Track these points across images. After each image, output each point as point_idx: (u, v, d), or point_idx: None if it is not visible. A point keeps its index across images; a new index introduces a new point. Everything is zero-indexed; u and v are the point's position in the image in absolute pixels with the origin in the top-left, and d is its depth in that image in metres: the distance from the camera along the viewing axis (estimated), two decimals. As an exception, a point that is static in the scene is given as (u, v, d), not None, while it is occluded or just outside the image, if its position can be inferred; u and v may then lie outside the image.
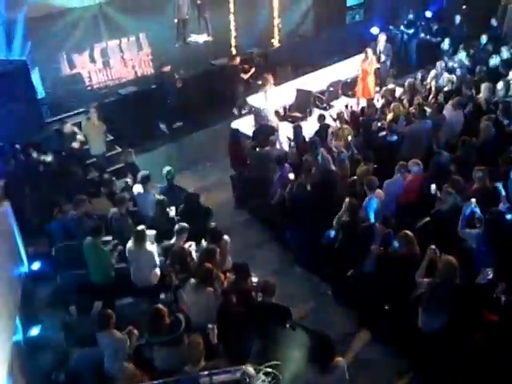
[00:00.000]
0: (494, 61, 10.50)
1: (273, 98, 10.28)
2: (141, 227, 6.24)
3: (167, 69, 11.12)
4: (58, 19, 14.75)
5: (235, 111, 11.52)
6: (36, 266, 6.99)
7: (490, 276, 5.23)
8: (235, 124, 10.62)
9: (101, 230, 6.24)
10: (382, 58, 11.52)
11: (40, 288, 6.76)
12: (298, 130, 9.14)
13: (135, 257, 6.24)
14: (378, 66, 11.37)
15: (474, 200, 5.92)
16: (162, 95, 11.16)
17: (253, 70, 12.06)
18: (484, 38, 11.73)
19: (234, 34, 14.47)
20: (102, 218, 6.94)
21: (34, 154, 8.53)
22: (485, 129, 7.67)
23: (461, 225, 5.86)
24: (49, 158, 8.67)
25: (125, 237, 6.53)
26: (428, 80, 10.63)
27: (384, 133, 8.50)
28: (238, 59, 11.89)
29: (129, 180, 8.14)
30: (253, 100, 11.01)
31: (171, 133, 11.29)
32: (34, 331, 6.11)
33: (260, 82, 10.61)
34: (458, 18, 13.35)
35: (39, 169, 8.42)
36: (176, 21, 13.51)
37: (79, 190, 7.39)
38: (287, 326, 5.16)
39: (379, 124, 8.78)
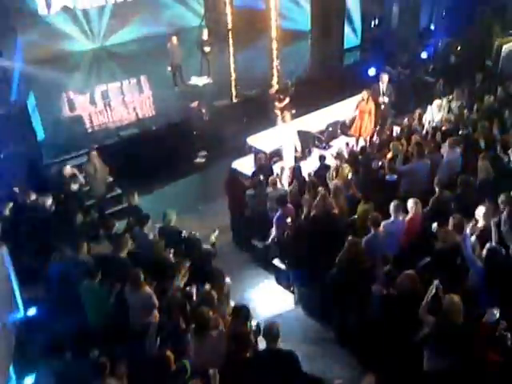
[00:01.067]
0: (489, 100, 10.60)
1: (290, 134, 10.46)
2: (137, 269, 6.15)
3: (195, 104, 11.62)
4: (59, 62, 15.06)
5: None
6: (32, 311, 6.88)
7: (498, 315, 5.12)
8: (235, 164, 10.67)
9: (98, 272, 6.15)
10: (386, 98, 11.67)
11: (35, 335, 6.61)
12: (297, 170, 9.17)
13: (133, 300, 6.14)
14: (383, 106, 11.56)
15: (473, 238, 5.88)
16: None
17: (287, 99, 12.21)
18: (479, 78, 11.92)
19: (233, 76, 14.75)
20: (100, 260, 6.87)
21: (33, 197, 8.51)
22: (483, 167, 7.68)
23: (466, 247, 5.80)
24: (48, 201, 8.65)
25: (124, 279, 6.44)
26: (425, 119, 10.72)
27: (383, 172, 8.52)
28: (274, 88, 12.29)
29: (130, 221, 8.10)
30: (253, 140, 11.10)
31: (171, 172, 11.34)
32: (28, 381, 5.94)
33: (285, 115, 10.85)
34: (452, 59, 13.66)
35: (38, 212, 8.38)
36: (169, 68, 13.78)
37: (78, 233, 7.35)
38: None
39: (379, 163, 8.80)
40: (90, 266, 6.47)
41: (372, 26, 16.29)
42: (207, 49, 14.10)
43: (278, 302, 7.78)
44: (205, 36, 14.19)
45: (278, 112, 11.77)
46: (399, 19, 15.69)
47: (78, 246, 6.84)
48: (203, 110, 11.69)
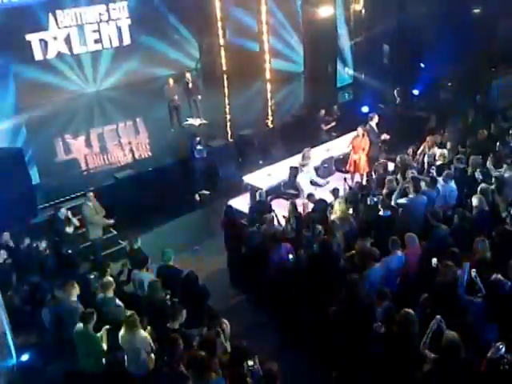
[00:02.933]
0: (483, 134, 10.69)
1: (309, 172, 10.79)
2: (132, 312, 6.04)
3: (198, 139, 11.85)
4: (54, 105, 15.22)
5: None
6: (25, 357, 6.71)
7: (503, 350, 5.01)
8: (232, 202, 10.64)
9: (91, 315, 6.04)
10: (384, 136, 11.88)
11: (29, 381, 6.44)
12: (294, 207, 9.14)
13: (128, 343, 5.99)
14: (380, 144, 11.83)
15: (474, 270, 5.84)
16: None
17: (334, 123, 13.20)
18: (472, 113, 12.06)
19: (228, 116, 14.94)
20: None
21: (27, 241, 8.46)
22: (478, 201, 7.68)
23: (460, 288, 5.77)
24: (42, 244, 8.58)
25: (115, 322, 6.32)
26: (419, 153, 10.79)
27: (379, 207, 8.50)
28: (323, 111, 13.14)
29: (127, 263, 8.03)
30: (249, 178, 11.14)
31: (168, 211, 11.29)
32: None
33: (301, 158, 11.04)
34: (443, 95, 13.90)
35: (32, 256, 8.30)
36: (171, 106, 13.90)
37: (72, 275, 7.27)
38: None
39: (375, 199, 8.79)
40: (83, 309, 6.35)
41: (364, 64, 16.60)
42: (191, 85, 14.14)
43: (277, 341, 7.61)
44: (188, 77, 14.30)
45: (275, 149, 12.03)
46: (390, 57, 15.99)
47: (72, 289, 6.73)
48: (201, 147, 11.80)
